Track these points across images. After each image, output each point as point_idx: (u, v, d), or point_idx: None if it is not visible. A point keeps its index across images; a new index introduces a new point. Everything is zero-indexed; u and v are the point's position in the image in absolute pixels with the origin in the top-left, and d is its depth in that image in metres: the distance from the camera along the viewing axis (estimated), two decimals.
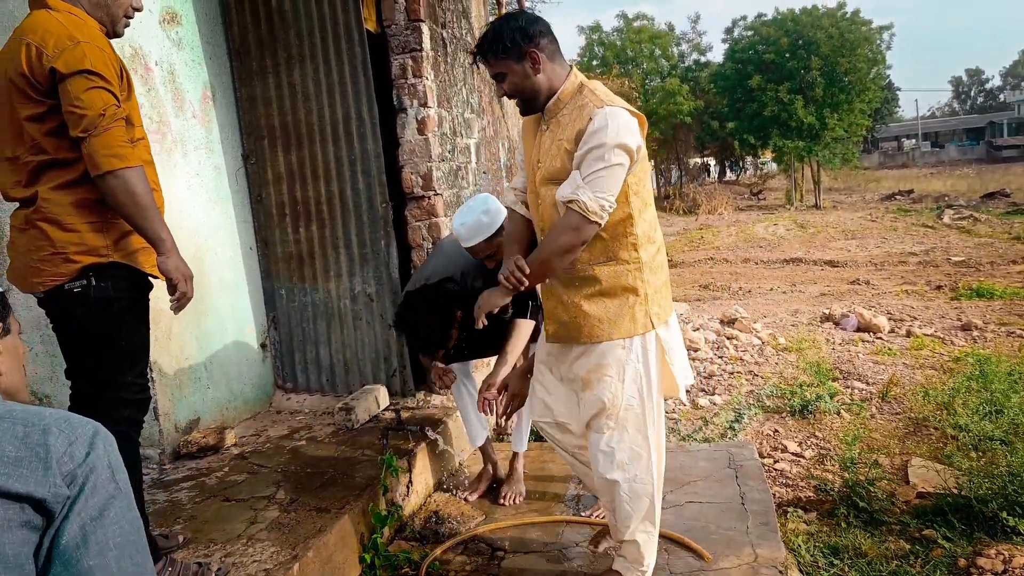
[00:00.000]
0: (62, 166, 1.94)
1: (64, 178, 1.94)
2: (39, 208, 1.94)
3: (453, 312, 2.76)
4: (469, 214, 2.82)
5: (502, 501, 3.18)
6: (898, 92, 48.65)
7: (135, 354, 2.06)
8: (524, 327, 2.97)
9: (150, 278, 2.10)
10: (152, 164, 2.11)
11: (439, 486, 3.37)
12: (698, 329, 6.85)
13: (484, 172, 4.37)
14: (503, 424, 2.94)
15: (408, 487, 3.09)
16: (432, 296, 2.76)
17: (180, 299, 2.06)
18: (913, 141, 54.32)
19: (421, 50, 3.67)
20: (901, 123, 60.40)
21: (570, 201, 1.99)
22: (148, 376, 2.17)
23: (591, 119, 1.99)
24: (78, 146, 1.91)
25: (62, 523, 0.97)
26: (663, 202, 27.83)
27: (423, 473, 3.24)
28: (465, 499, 3.20)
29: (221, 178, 3.82)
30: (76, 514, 0.98)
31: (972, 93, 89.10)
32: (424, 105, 3.66)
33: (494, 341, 3.13)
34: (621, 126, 1.97)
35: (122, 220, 1.97)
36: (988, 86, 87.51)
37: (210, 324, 3.68)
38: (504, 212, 2.80)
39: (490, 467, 3.35)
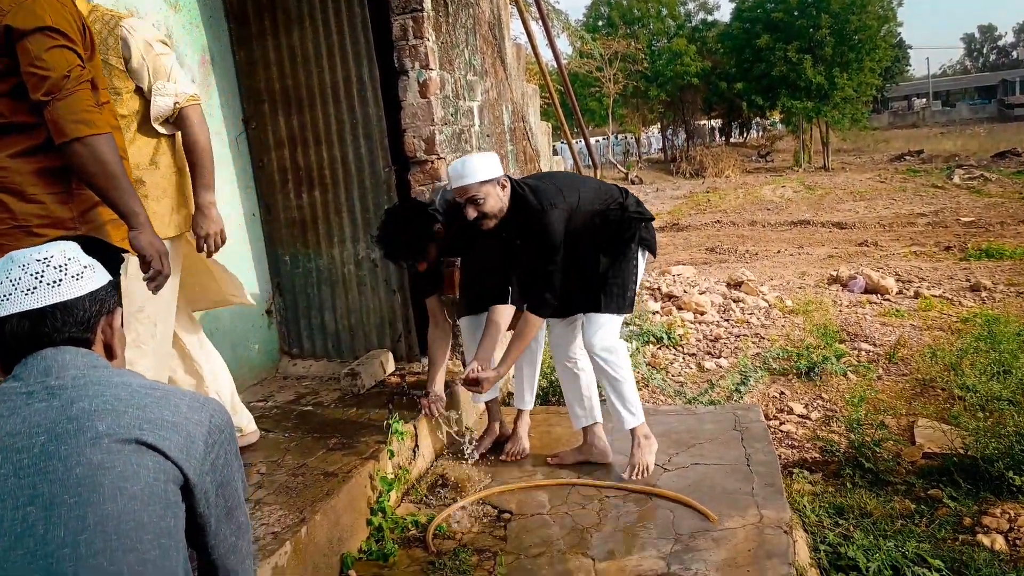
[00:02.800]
0: (21, 131, 1.80)
1: (24, 144, 1.80)
2: None
3: (431, 225, 2.78)
4: (470, 156, 2.81)
5: (504, 457, 3.21)
6: (909, 50, 47.79)
7: None
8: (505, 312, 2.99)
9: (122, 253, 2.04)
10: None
11: (445, 450, 3.40)
12: (704, 292, 6.83)
13: (487, 136, 4.32)
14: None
15: (414, 451, 3.11)
16: (410, 207, 2.82)
17: (155, 277, 1.97)
18: (923, 100, 53.55)
19: (422, 10, 3.60)
20: (912, 82, 59.47)
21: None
22: None
23: None
24: (39, 110, 1.77)
25: (213, 493, 1.16)
26: (670, 165, 27.59)
27: (429, 437, 3.26)
28: (470, 455, 3.22)
29: (222, 144, 3.78)
30: (220, 483, 1.18)
31: (984, 50, 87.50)
32: (426, 67, 3.60)
33: (499, 292, 3.09)
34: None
35: (88, 190, 1.86)
36: (1001, 43, 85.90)
37: None
38: (500, 171, 2.78)
39: (496, 425, 3.38)
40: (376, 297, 3.96)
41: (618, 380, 2.99)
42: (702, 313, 6.20)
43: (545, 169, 5.68)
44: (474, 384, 2.84)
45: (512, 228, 2.86)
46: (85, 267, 1.20)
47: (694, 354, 5.29)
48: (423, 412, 3.07)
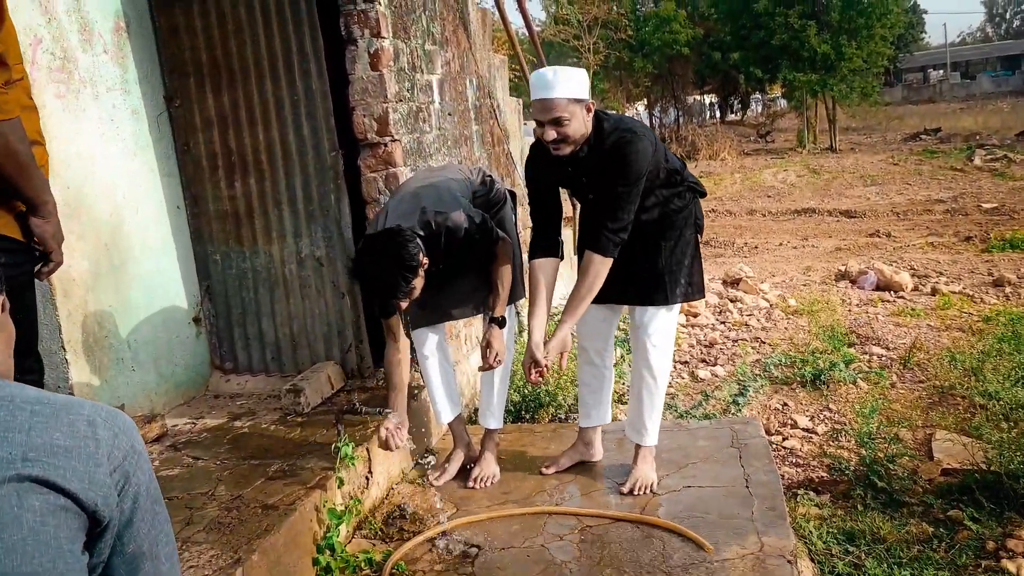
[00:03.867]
0: None
1: None
2: None
3: (417, 257, 2.78)
4: (560, 67, 2.77)
5: (471, 484, 3.23)
6: (924, 16, 48.68)
7: (25, 336, 1.97)
8: (504, 269, 3.09)
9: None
10: (34, 110, 1.99)
11: (404, 476, 3.38)
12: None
13: (449, 114, 4.32)
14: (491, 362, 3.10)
15: (368, 478, 3.10)
16: (393, 239, 2.80)
17: (53, 267, 2.02)
18: (941, 72, 54.55)
19: None
20: (927, 51, 60.59)
21: None
22: (41, 359, 2.14)
23: None
24: None
25: (122, 529, 1.07)
26: None
27: (385, 462, 3.25)
28: (431, 484, 3.23)
29: (140, 124, 3.73)
30: (132, 518, 1.08)
31: (1008, 15, 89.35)
32: (377, 35, 3.59)
33: (469, 294, 3.22)
34: None
35: None
36: None
37: (133, 296, 3.62)
38: (588, 93, 2.78)
39: (461, 448, 3.39)
40: (322, 301, 3.94)
41: (656, 386, 3.10)
42: (695, 315, 6.26)
43: (515, 151, 5.69)
44: (535, 367, 2.84)
45: (580, 163, 2.85)
46: None
47: (686, 362, 5.34)
48: (382, 443, 3.05)
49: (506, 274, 3.12)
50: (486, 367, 3.09)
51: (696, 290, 3.12)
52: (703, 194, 3.18)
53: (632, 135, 2.77)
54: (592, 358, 3.27)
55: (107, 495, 1.04)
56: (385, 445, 2.99)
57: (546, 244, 3.00)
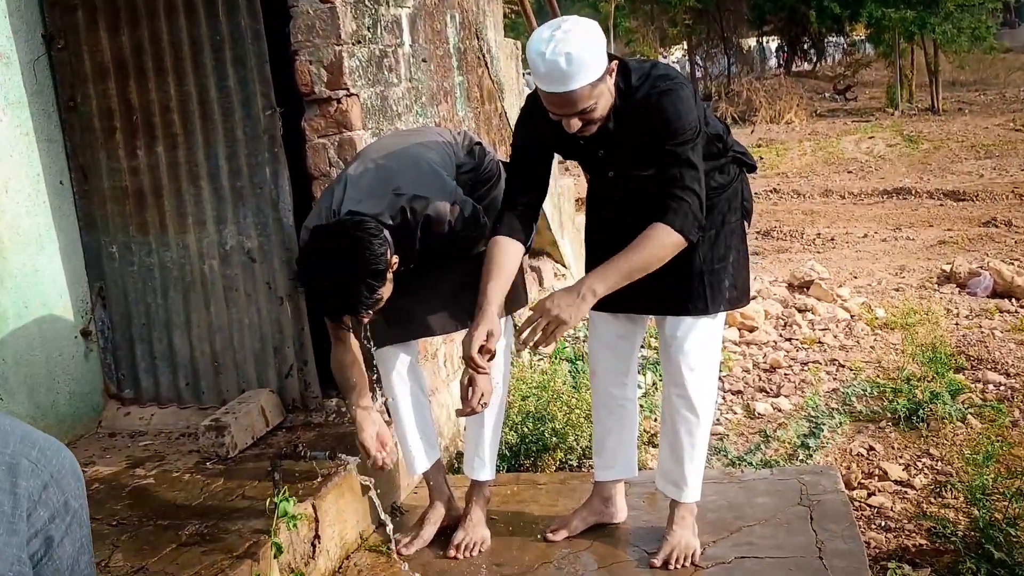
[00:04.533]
0: None
1: None
2: None
3: (384, 258, 2.79)
4: (568, 35, 2.67)
5: (452, 553, 3.23)
6: None
7: None
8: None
9: None
10: None
11: (363, 541, 3.37)
12: (755, 298, 6.90)
13: (424, 60, 4.33)
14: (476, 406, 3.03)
15: (314, 545, 3.09)
16: (353, 232, 2.79)
17: None
18: None
19: None
20: None
21: None
22: None
23: None
24: None
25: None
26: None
27: (337, 523, 3.24)
28: (399, 553, 3.23)
29: (11, 72, 3.74)
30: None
31: None
32: None
33: (451, 299, 3.24)
34: None
35: None
36: None
37: (1, 302, 3.62)
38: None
39: (440, 505, 3.40)
40: (253, 309, 3.94)
41: (698, 424, 3.11)
42: (751, 330, 6.27)
43: (511, 109, 5.70)
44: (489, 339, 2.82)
45: (599, 132, 2.85)
46: None
47: (739, 392, 5.34)
48: (373, 463, 3.10)
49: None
50: (467, 411, 3.00)
51: (742, 294, 3.15)
52: (752, 168, 3.18)
53: (669, 82, 2.80)
54: (609, 388, 3.27)
55: (17, 571, 1.02)
56: (377, 464, 3.05)
57: (515, 224, 2.97)
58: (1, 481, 1.02)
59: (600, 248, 3.04)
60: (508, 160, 3.21)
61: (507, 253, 2.93)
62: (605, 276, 2.77)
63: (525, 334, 2.76)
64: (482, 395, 2.97)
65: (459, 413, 3.06)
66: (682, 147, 2.77)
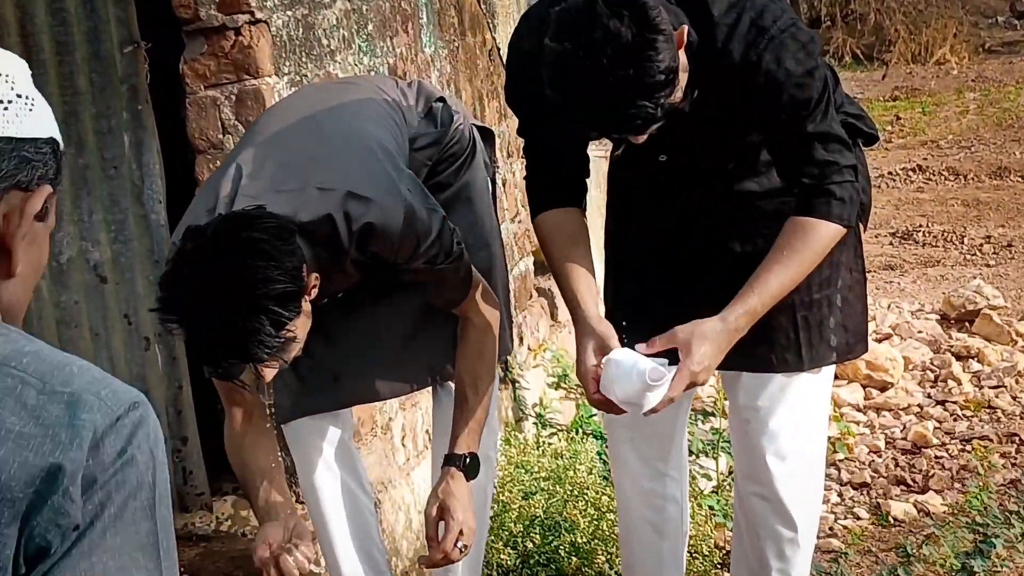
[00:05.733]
0: None
1: None
2: None
3: (298, 275, 2.75)
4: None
5: None
6: None
7: None
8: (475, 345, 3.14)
9: None
10: None
11: None
12: (888, 336, 6.83)
13: None
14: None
15: None
16: (249, 233, 2.75)
17: None
18: None
19: None
20: None
21: None
22: None
23: None
24: None
25: (65, 554, 1.26)
26: (809, 36, 27.86)
27: None
28: None
29: None
30: (87, 542, 1.28)
31: None
32: None
33: (403, 345, 3.27)
34: None
35: None
36: None
37: None
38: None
39: None
40: (103, 355, 3.97)
41: (797, 535, 3.15)
42: (883, 388, 6.24)
43: (504, 44, 5.67)
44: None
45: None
46: (22, 97, 1.42)
47: (864, 485, 5.31)
48: None
49: (478, 357, 3.13)
50: (439, 559, 3.05)
51: (858, 338, 3.19)
52: (873, 139, 3.26)
53: (771, 25, 2.83)
54: (640, 481, 3.32)
55: (64, 520, 1.26)
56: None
57: (557, 191, 3.11)
58: (61, 412, 1.28)
59: (632, 271, 3.18)
60: (490, 127, 3.22)
61: (571, 233, 3.07)
62: (754, 306, 2.85)
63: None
64: (459, 534, 3.00)
65: (425, 563, 3.15)
66: (809, 121, 2.86)
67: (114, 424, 1.31)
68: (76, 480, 1.28)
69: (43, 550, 1.27)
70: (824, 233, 2.85)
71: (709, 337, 2.75)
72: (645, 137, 2.74)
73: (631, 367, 2.73)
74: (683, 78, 2.75)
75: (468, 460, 3.06)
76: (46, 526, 1.27)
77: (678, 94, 2.75)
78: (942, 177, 13.17)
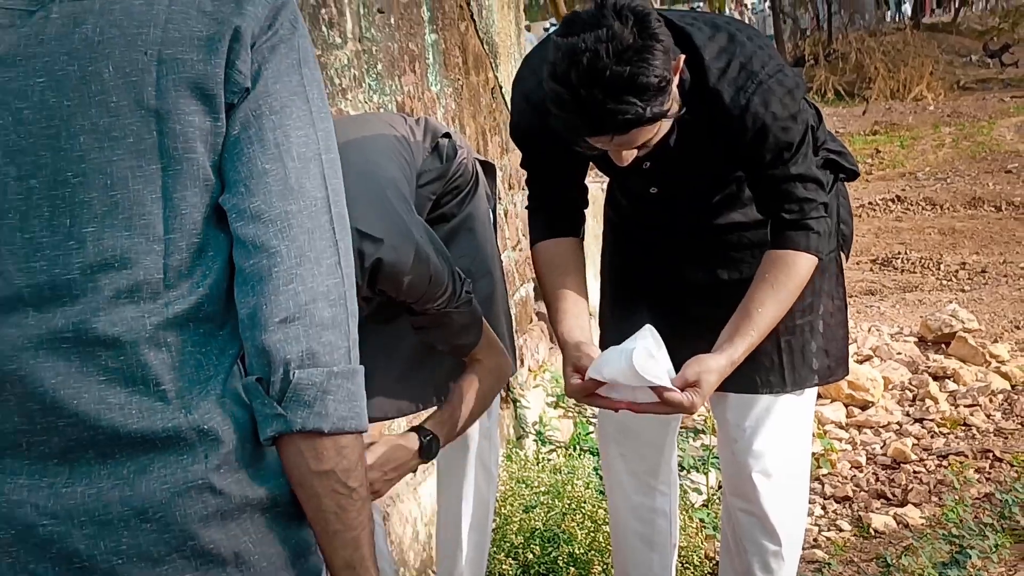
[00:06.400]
0: None
1: None
2: None
3: None
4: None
5: None
6: None
7: None
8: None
9: None
10: None
11: None
12: (868, 358, 6.94)
13: (380, 11, 4.33)
14: None
15: None
16: None
17: None
18: None
19: None
20: None
21: None
22: None
23: None
24: None
25: (240, 100, 1.57)
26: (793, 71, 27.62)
27: None
28: None
29: None
30: (257, 92, 1.59)
31: None
32: None
33: (407, 370, 3.19)
34: None
35: None
36: None
37: None
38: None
39: None
40: None
41: (781, 550, 3.13)
42: (864, 406, 6.24)
43: (506, 82, 5.73)
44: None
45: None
46: None
47: (846, 499, 5.33)
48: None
49: (480, 399, 3.01)
50: None
51: (838, 362, 3.18)
52: (853, 174, 3.24)
53: (760, 69, 2.83)
54: (630, 495, 3.33)
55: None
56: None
57: (556, 221, 3.08)
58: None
59: (625, 296, 3.15)
60: (491, 162, 3.24)
61: (563, 262, 3.03)
62: (753, 341, 2.83)
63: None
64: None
65: None
66: (791, 163, 2.86)
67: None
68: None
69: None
70: (804, 264, 2.86)
71: (715, 371, 2.74)
72: (631, 161, 2.75)
73: (621, 349, 2.72)
74: (674, 107, 2.69)
75: (430, 438, 2.80)
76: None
77: (669, 110, 2.66)
78: (919, 207, 13.22)
